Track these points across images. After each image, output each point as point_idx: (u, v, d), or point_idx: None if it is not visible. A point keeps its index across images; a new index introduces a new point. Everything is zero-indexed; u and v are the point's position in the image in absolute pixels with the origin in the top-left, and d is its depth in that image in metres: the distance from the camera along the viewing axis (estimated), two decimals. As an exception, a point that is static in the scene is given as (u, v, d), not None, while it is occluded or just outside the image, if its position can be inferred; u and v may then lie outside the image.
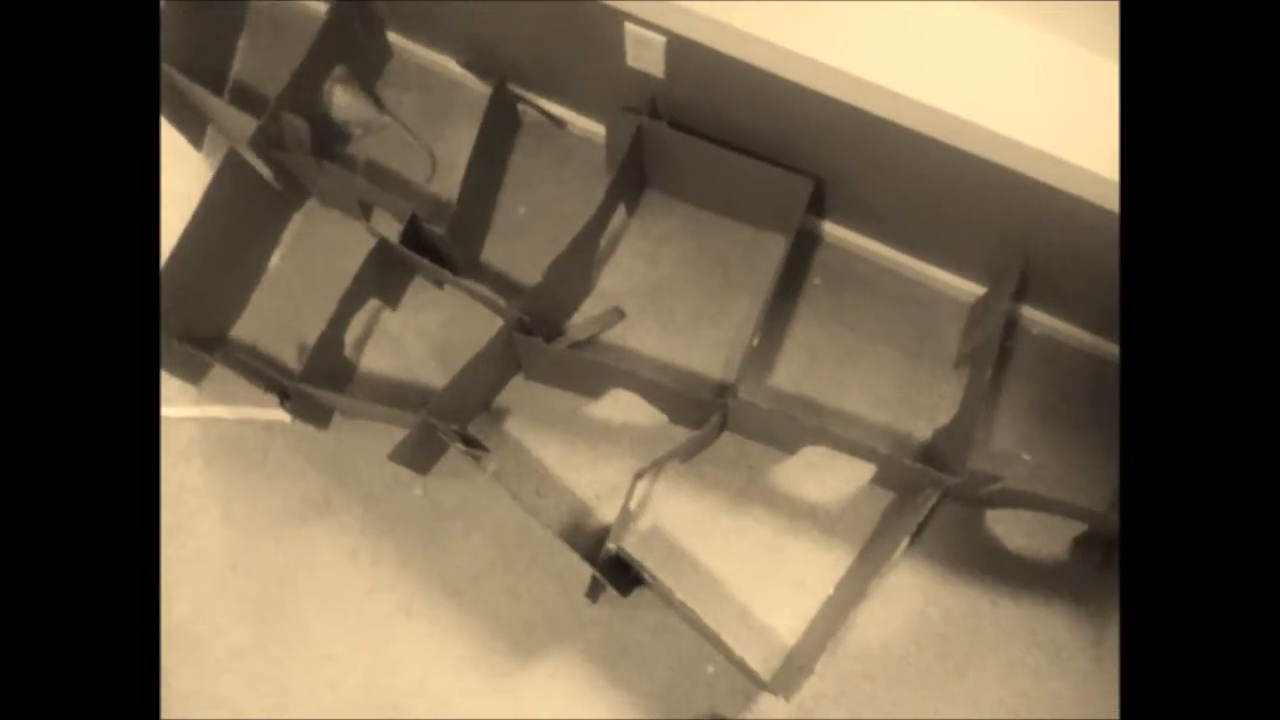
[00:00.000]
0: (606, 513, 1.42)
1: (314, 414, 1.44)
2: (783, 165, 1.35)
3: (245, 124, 1.37)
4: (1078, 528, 1.40)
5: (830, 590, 1.39)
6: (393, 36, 1.61)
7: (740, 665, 1.24)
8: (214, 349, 1.44)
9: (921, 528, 1.39)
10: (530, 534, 1.41)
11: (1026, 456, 1.44)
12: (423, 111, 1.61)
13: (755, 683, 1.29)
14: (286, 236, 1.56)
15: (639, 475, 1.35)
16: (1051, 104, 1.04)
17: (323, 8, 1.47)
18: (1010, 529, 1.42)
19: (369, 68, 1.61)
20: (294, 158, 1.42)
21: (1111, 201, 1.05)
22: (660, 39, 1.22)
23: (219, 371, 1.47)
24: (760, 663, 1.34)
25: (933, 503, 1.26)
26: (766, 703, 1.34)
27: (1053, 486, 1.42)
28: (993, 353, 1.29)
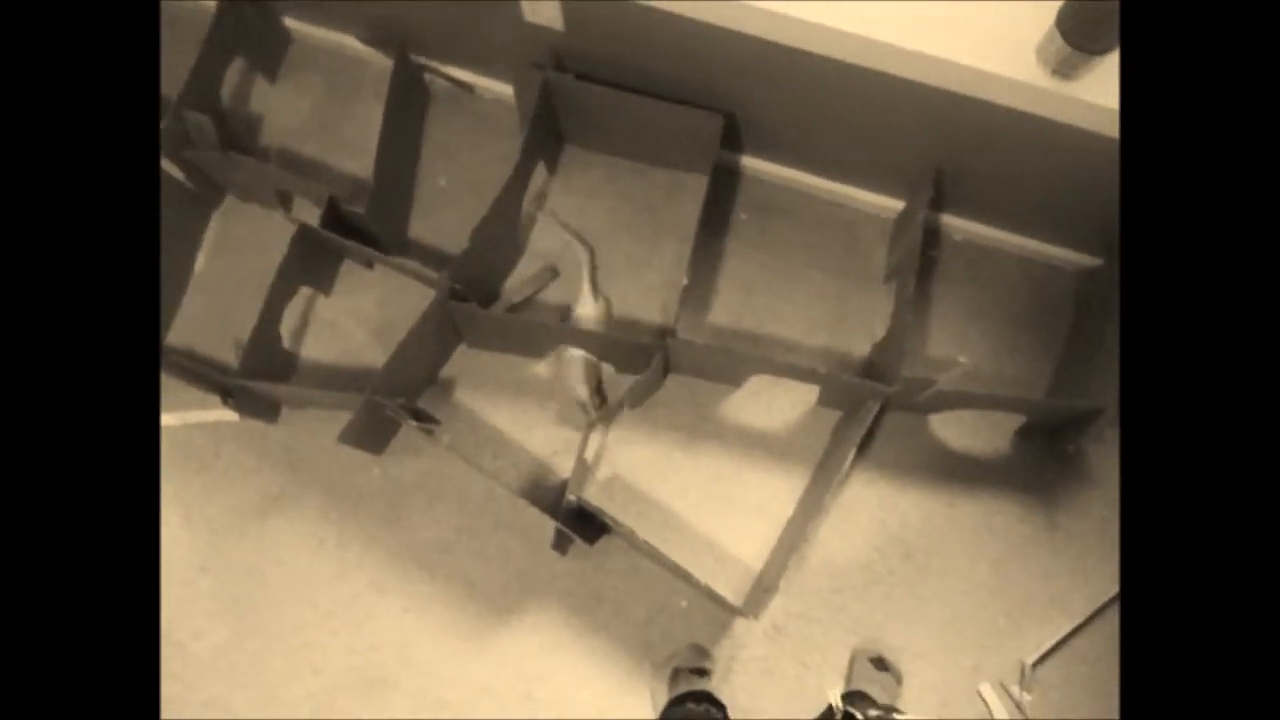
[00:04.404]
0: (564, 467, 1.44)
1: (260, 409, 1.44)
2: (693, 104, 1.36)
3: (148, 126, 1.35)
4: (1018, 420, 1.45)
5: (790, 512, 1.42)
6: (289, 21, 1.59)
7: (710, 594, 1.27)
8: (151, 357, 1.43)
9: (869, 439, 1.43)
10: (492, 497, 1.43)
11: (963, 359, 1.48)
12: (329, 93, 1.59)
13: (726, 609, 1.32)
14: (208, 237, 1.54)
15: (590, 425, 1.38)
16: (947, 9, 1.06)
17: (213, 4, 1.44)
18: (955, 431, 1.47)
19: (269, 56, 1.59)
20: (203, 155, 1.40)
21: (1020, 101, 1.07)
22: (552, -10, 1.22)
23: (161, 380, 1.46)
24: (730, 590, 1.38)
25: (874, 412, 1.30)
26: (741, 626, 1.39)
27: (990, 383, 1.46)
28: (914, 263, 1.33)
